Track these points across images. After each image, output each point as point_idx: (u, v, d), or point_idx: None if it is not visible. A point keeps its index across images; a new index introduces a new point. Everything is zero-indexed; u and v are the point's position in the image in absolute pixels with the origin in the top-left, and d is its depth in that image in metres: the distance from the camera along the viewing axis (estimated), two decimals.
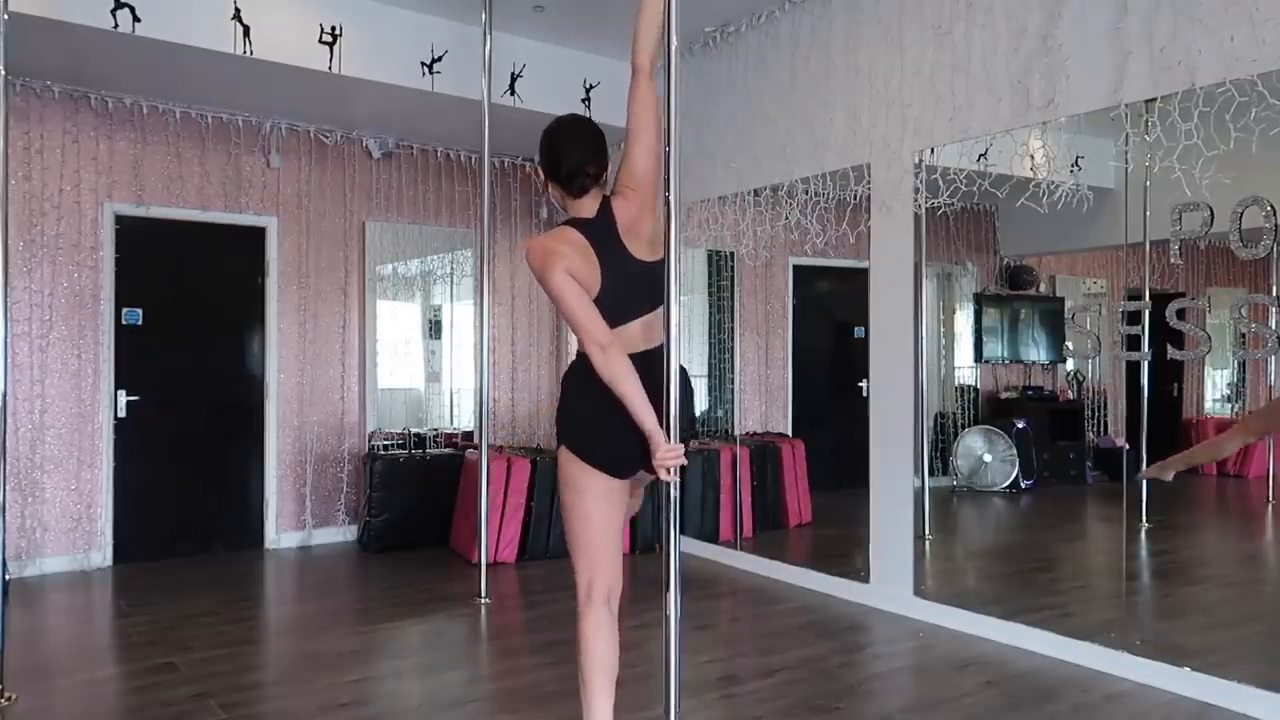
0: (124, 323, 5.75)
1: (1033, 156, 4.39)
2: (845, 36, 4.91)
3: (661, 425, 2.28)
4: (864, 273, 4.88)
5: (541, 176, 2.55)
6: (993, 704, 3.45)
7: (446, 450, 6.51)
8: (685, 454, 2.30)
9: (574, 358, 2.48)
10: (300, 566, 5.82)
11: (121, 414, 5.72)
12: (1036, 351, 6.40)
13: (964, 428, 6.17)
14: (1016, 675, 3.75)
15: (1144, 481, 4.25)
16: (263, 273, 6.21)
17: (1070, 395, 6.24)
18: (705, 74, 5.81)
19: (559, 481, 2.48)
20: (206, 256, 6.07)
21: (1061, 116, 3.96)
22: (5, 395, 3.56)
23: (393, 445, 6.42)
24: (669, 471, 2.28)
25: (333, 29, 5.12)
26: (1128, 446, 4.70)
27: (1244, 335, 4.12)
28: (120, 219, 5.73)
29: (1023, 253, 6.11)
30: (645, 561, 5.77)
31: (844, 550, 5.25)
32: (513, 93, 5.74)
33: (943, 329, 6.21)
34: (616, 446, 2.37)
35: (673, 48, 2.33)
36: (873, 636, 4.37)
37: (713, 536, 5.90)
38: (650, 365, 2.34)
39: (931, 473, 5.51)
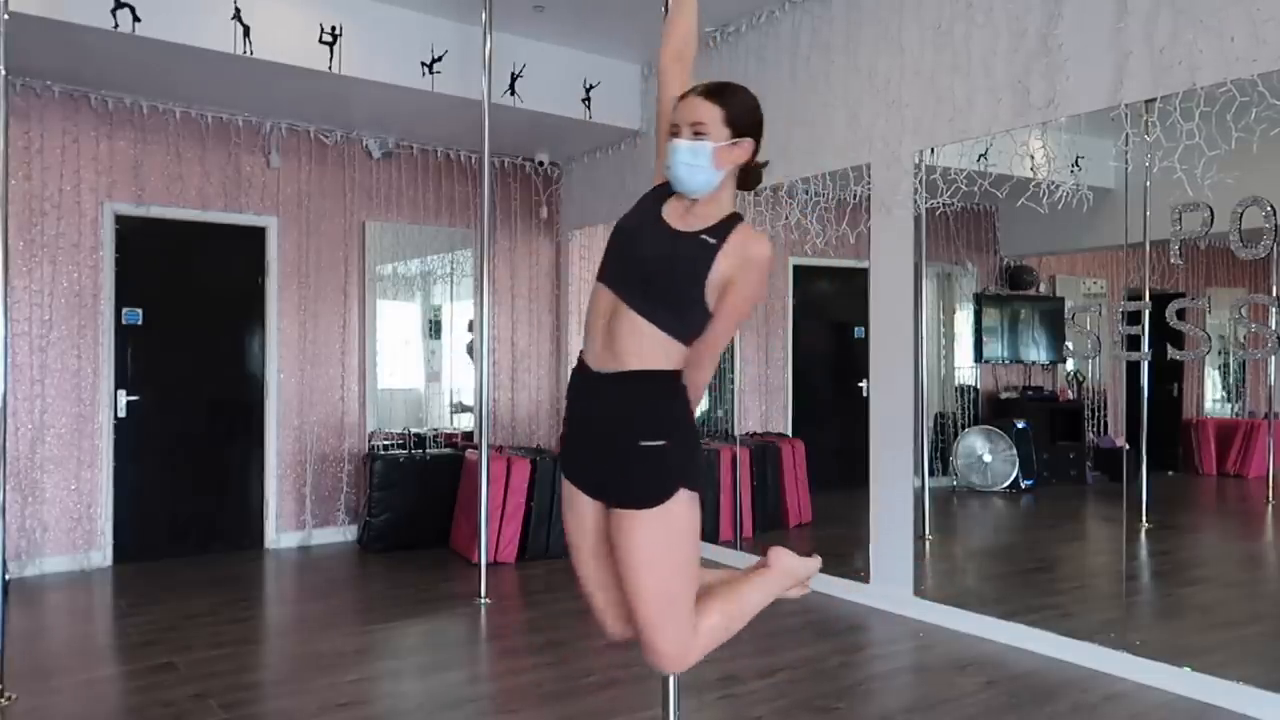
0: (124, 323, 5.74)
1: (1033, 156, 4.39)
2: (845, 36, 4.91)
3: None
4: (864, 273, 4.88)
5: (747, 149, 2.05)
6: (993, 704, 3.45)
7: (446, 450, 6.51)
8: None
9: (655, 369, 1.99)
10: (300, 566, 5.82)
11: (121, 414, 5.72)
12: (1036, 351, 6.40)
13: (964, 428, 6.17)
14: (1016, 675, 3.75)
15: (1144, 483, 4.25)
16: (263, 273, 6.21)
17: (1070, 395, 6.25)
18: (705, 74, 5.80)
19: (683, 538, 2.00)
20: (206, 256, 6.07)
21: (1061, 116, 3.96)
22: (5, 395, 3.56)
23: (393, 445, 6.42)
24: None
25: (333, 29, 5.11)
26: (1128, 446, 4.70)
27: (1244, 335, 4.12)
28: (120, 219, 5.73)
29: (1023, 253, 6.11)
30: None
31: (844, 550, 5.25)
32: (513, 93, 5.74)
33: (943, 329, 6.21)
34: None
35: None
36: (873, 636, 4.37)
37: (713, 536, 5.90)
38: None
39: (931, 473, 5.51)
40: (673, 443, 2.00)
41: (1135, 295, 3.90)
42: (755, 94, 2.11)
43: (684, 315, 1.98)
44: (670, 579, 2.01)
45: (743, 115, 2.05)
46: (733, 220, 2.02)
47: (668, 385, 2.02)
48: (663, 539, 1.98)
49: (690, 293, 1.96)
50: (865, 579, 4.81)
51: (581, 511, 2.10)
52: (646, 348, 1.97)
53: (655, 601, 2.00)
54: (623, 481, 2.00)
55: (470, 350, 7.02)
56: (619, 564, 2.03)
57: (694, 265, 1.96)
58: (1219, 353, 5.11)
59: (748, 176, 2.09)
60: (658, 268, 1.99)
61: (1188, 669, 3.55)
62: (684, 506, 1.99)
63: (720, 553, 5.79)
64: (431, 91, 5.46)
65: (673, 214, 2.06)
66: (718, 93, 2.05)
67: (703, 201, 2.03)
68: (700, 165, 1.99)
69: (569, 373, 2.18)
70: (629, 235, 2.07)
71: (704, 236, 1.99)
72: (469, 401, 7.01)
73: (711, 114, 2.02)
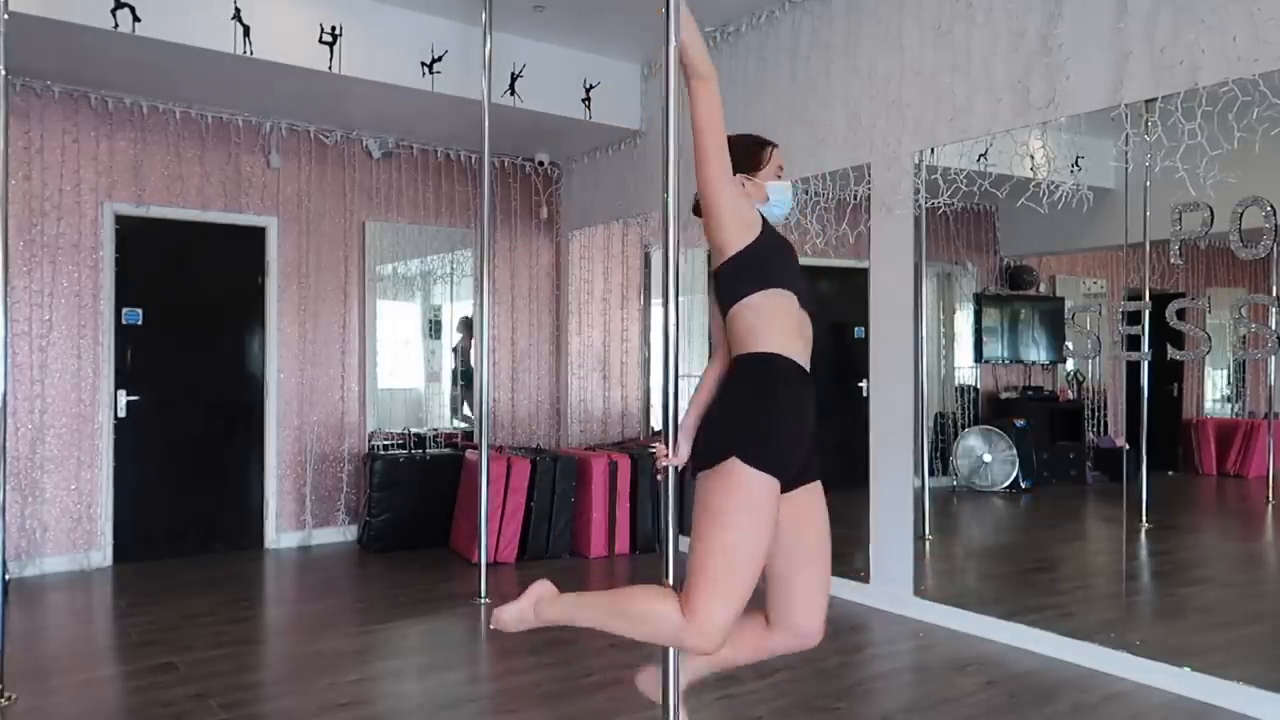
0: (124, 323, 5.75)
1: (1033, 156, 4.39)
2: (845, 36, 4.91)
3: (667, 429, 2.27)
4: (864, 273, 4.87)
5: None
6: (993, 704, 3.45)
7: (446, 450, 6.51)
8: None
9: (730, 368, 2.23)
10: (300, 566, 5.82)
11: (121, 414, 5.72)
12: (1036, 351, 6.40)
13: (964, 428, 6.17)
14: (1016, 675, 3.75)
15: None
16: (263, 273, 6.21)
17: (1070, 395, 6.25)
18: None
19: (724, 503, 2.07)
20: (206, 256, 6.07)
21: (1061, 116, 3.96)
22: (5, 395, 3.56)
23: (393, 445, 6.42)
24: (663, 473, 2.28)
25: (333, 29, 5.12)
26: (1128, 446, 4.70)
27: (1244, 335, 4.12)
28: (120, 219, 5.73)
29: (1023, 253, 6.12)
30: (645, 561, 5.78)
31: (844, 550, 5.23)
32: (513, 93, 5.74)
33: (943, 329, 6.21)
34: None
35: (672, 48, 2.32)
36: (873, 636, 4.37)
37: None
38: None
39: (931, 473, 5.51)
40: None
41: (1135, 295, 3.90)
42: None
43: None
44: None
45: None
46: None
47: None
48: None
49: None
50: (865, 579, 4.81)
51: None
52: None
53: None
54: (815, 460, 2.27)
55: (457, 350, 7.01)
56: (815, 538, 2.25)
57: None
58: (1229, 352, 5.11)
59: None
60: None
61: (1188, 669, 3.55)
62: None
63: None
64: (431, 91, 5.46)
65: None
66: None
67: None
68: None
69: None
70: (791, 249, 2.32)
71: None
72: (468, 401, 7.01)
73: None
